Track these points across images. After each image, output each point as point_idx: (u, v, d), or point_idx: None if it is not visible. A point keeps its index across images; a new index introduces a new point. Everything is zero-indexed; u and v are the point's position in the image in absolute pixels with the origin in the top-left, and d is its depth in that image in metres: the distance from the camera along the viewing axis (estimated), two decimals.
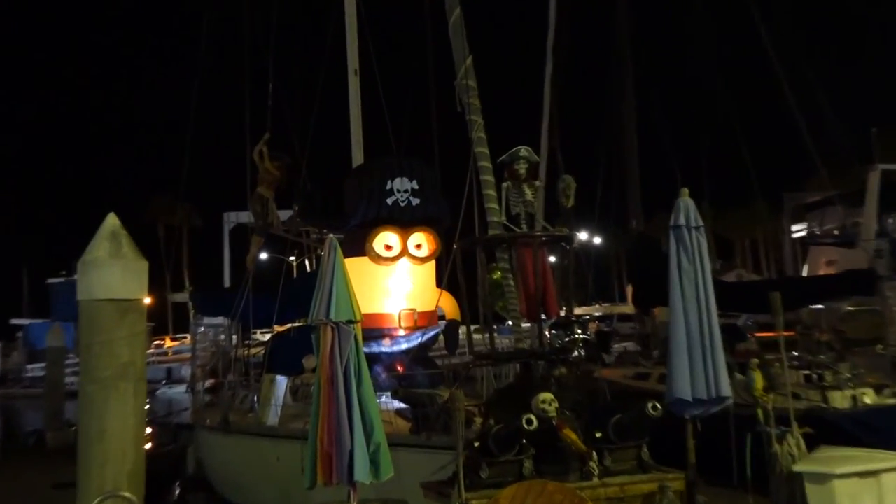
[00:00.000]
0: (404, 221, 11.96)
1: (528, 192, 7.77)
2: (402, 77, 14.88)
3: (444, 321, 12.55)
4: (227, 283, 42.42)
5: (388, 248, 11.98)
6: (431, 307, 12.18)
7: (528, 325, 8.86)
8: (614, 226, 23.89)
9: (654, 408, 6.70)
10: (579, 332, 8.39)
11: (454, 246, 8.62)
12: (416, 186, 11.97)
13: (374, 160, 13.17)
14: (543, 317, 7.95)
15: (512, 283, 8.49)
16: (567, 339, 8.11)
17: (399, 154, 13.21)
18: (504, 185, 8.09)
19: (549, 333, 8.36)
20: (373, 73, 14.73)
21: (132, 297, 7.63)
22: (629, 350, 20.32)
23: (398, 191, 11.86)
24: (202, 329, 19.49)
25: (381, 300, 11.99)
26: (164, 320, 46.31)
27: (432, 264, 12.46)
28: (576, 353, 7.76)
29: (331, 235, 7.01)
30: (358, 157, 14.64)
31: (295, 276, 16.98)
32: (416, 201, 11.94)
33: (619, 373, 15.04)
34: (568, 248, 8.11)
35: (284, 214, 14.86)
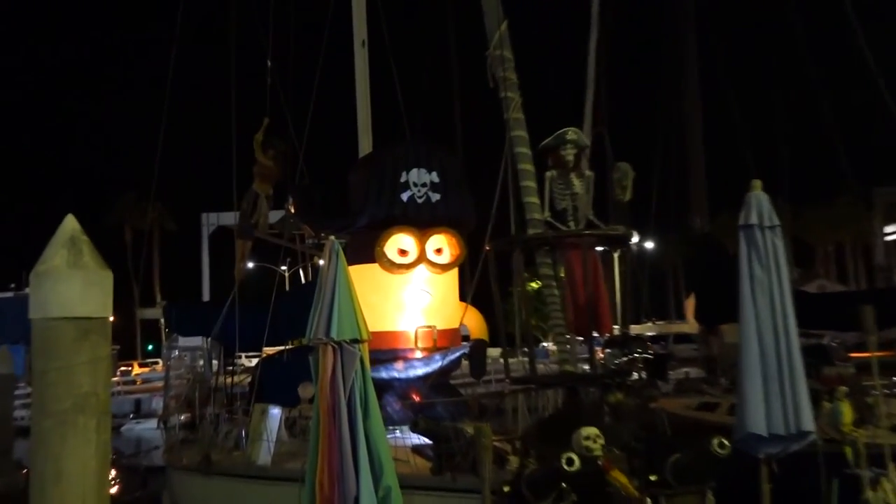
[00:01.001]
0: (422, 221, 11.99)
1: (577, 184, 7.79)
2: (419, 48, 15.12)
3: (468, 341, 12.58)
4: (206, 297, 42.75)
5: (403, 253, 12.00)
6: (454, 324, 12.22)
7: (573, 344, 8.89)
8: (671, 226, 23.68)
9: (721, 445, 6.71)
10: (639, 350, 8.32)
11: (485, 249, 8.58)
12: (436, 179, 12.00)
13: (385, 148, 13.20)
14: (594, 333, 7.89)
15: (556, 292, 8.43)
16: (625, 359, 8.02)
17: (415, 141, 13.24)
18: (547, 174, 8.10)
19: (603, 353, 8.25)
20: (383, 45, 14.85)
21: (95, 315, 7.56)
22: (690, 376, 20.15)
23: (414, 184, 11.89)
24: (177, 352, 19.56)
25: (394, 316, 12.02)
26: (131, 342, 46.78)
27: (455, 273, 12.49)
28: (635, 375, 7.70)
29: (332, 238, 6.98)
30: (366, 145, 14.70)
31: (288, 288, 16.99)
32: (435, 197, 11.97)
33: (678, 403, 14.91)
34: (625, 249, 8.04)
35: (276, 215, 14.85)
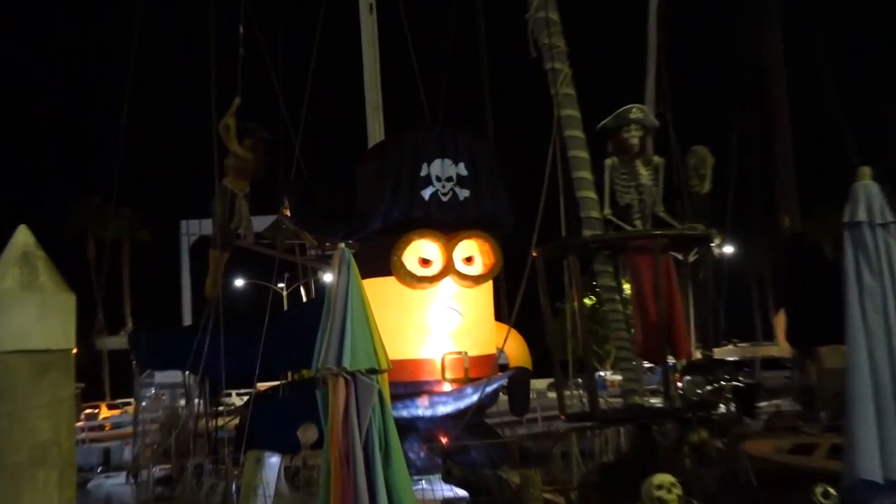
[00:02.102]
0: (448, 223, 12.01)
1: (644, 173, 7.80)
2: (438, 12, 15.22)
3: (508, 371, 12.58)
4: (187, 321, 43.05)
5: (425, 263, 12.02)
6: (490, 350, 12.22)
7: (640, 371, 8.96)
8: (754, 226, 23.52)
9: (826, 495, 6.82)
10: (727, 377, 8.30)
11: (532, 255, 8.57)
12: (465, 172, 11.99)
13: (400, 135, 13.19)
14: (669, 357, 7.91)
15: (619, 308, 8.39)
16: (709, 389, 7.99)
17: (437, 125, 13.22)
18: (608, 162, 8.08)
19: (682, 381, 8.28)
20: (396, 8, 14.86)
21: (54, 347, 7.57)
22: (782, 410, 20.01)
23: (438, 178, 11.88)
24: (153, 390, 19.60)
25: (416, 341, 12.04)
26: (97, 378, 47.13)
27: (489, 287, 12.49)
28: (722, 408, 7.68)
29: (342, 245, 6.96)
30: (376, 131, 14.75)
31: (286, 308, 17.02)
32: (464, 193, 11.96)
33: (768, 444, 14.82)
34: (705, 253, 8.02)
35: (264, 221, 14.91)
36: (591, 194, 8.96)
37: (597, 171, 8.08)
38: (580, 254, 8.16)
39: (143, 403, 19.63)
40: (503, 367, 12.61)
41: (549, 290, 7.79)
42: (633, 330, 8.36)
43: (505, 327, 12.73)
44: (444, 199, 11.93)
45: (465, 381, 11.78)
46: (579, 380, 9.76)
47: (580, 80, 9.79)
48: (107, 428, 42.35)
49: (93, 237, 56.22)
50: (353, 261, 6.20)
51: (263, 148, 14.12)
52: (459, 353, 11.89)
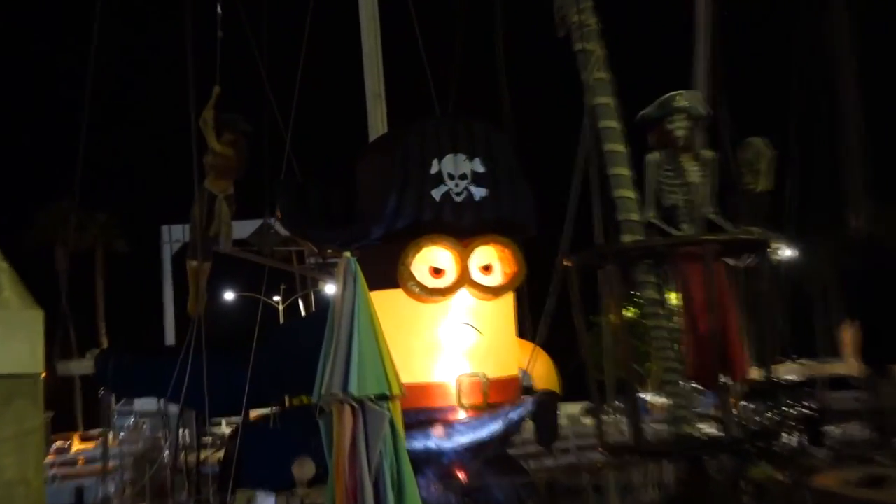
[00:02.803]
0: (463, 227, 12.00)
1: (692, 170, 7.80)
2: None
3: (533, 395, 12.54)
4: (170, 340, 43.08)
5: (437, 272, 12.02)
6: (511, 371, 12.20)
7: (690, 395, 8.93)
8: (818, 227, 23.37)
9: None
10: (792, 402, 8.26)
11: (563, 264, 8.54)
12: (481, 168, 12.01)
13: (407, 127, 13.07)
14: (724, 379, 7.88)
15: (664, 323, 8.37)
16: (772, 416, 7.96)
17: (449, 115, 13.17)
18: (650, 158, 8.03)
19: (740, 407, 8.27)
20: None
21: (21, 372, 7.63)
22: (852, 437, 19.85)
23: (450, 176, 11.90)
24: (131, 420, 19.55)
25: (426, 362, 12.02)
26: (69, 405, 47.09)
27: (510, 299, 12.48)
28: (786, 438, 7.62)
29: (347, 255, 6.99)
30: (378, 123, 14.76)
31: (281, 324, 16.99)
32: (480, 193, 11.96)
33: (836, 477, 14.73)
34: (764, 260, 7.99)
35: (249, 226, 14.84)
36: (631, 194, 9.01)
37: (637, 169, 8.05)
38: (619, 262, 8.12)
39: (122, 434, 19.57)
40: (528, 391, 12.56)
41: (582, 302, 7.76)
42: (680, 346, 8.32)
43: (529, 345, 12.72)
44: (458, 199, 11.93)
45: (485, 407, 11.74)
46: (618, 403, 9.72)
47: (616, 63, 9.87)
48: (80, 462, 42.16)
49: (62, 247, 56.26)
50: (359, 272, 6.34)
51: (244, 142, 14.17)
52: (477, 375, 11.85)
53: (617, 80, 9.61)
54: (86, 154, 14.37)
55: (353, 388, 5.97)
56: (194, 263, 14.14)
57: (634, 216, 8.80)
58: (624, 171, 9.11)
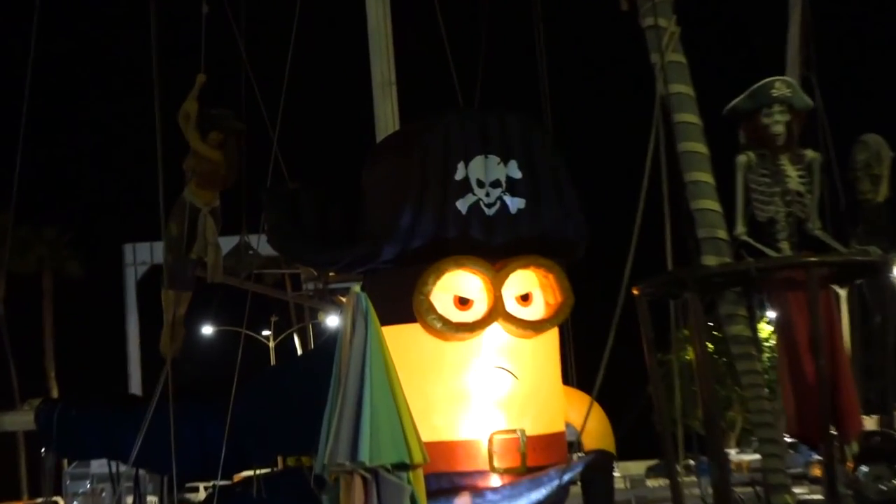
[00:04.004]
0: (495, 247, 11.92)
1: (793, 174, 7.76)
2: None
3: (583, 454, 12.55)
4: (136, 385, 43.21)
5: (464, 303, 11.94)
6: (555, 426, 12.22)
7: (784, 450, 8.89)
8: None
9: None
10: None
11: (632, 293, 8.34)
12: (518, 174, 11.94)
13: (424, 123, 13.04)
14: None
15: (757, 366, 8.44)
16: None
17: (477, 108, 13.02)
18: (740, 160, 8.25)
19: (856, 473, 8.33)
20: None
21: None
22: None
23: (480, 184, 11.83)
24: (87, 485, 19.68)
25: (451, 415, 11.95)
26: (11, 468, 47.16)
27: (554, 336, 12.46)
28: None
29: (355, 288, 6.93)
30: (388, 118, 14.77)
31: (272, 365, 17.13)
32: (517, 204, 11.90)
33: None
34: (885, 287, 7.86)
35: (223, 245, 15.02)
36: (715, 206, 9.01)
37: (721, 174, 8.00)
38: (701, 291, 8.03)
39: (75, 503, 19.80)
40: (571, 446, 12.54)
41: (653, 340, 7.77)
42: (772, 390, 8.29)
43: (576, 393, 12.76)
44: (490, 212, 11.85)
45: (523, 471, 11.63)
46: (692, 462, 9.62)
47: (692, 44, 9.80)
48: None
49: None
50: (371, 310, 6.50)
51: (236, 143, 14.26)
52: (514, 431, 11.72)
53: (692, 63, 9.68)
54: (28, 158, 14.48)
55: (365, 456, 6.03)
56: (170, 294, 14.22)
57: (720, 233, 8.76)
58: (706, 176, 9.13)
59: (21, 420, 14.70)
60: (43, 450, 15.99)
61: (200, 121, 14.06)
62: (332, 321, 19.26)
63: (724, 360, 12.41)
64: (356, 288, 6.60)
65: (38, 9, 15.26)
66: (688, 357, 9.71)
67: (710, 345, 9.40)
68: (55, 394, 44.55)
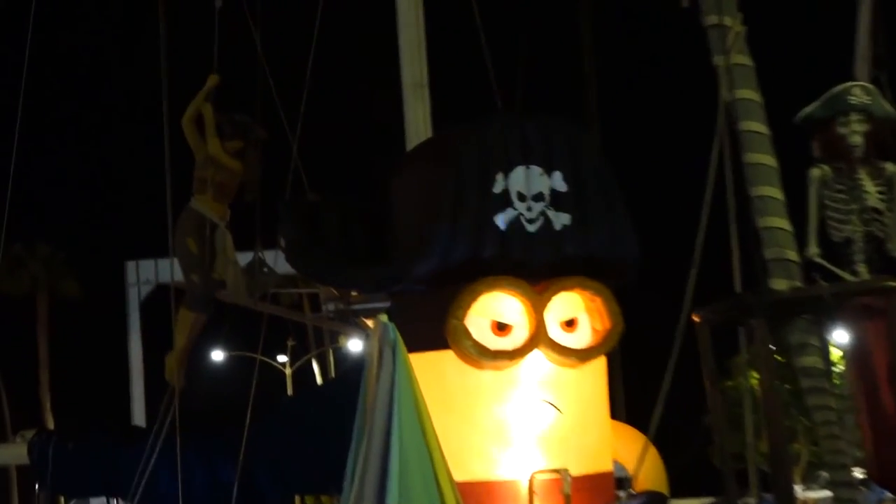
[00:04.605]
0: (538, 267, 11.89)
1: (872, 190, 7.86)
2: None
3: (633, 494, 12.62)
4: (139, 416, 43.35)
5: (502, 329, 11.89)
6: (602, 465, 12.17)
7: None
8: None
9: None
10: None
11: (693, 320, 8.26)
12: (563, 187, 11.91)
13: (460, 129, 13.09)
14: None
15: (829, 401, 8.46)
16: None
17: (518, 113, 13.00)
18: (814, 173, 8.34)
19: None
20: None
21: None
22: None
23: (521, 197, 11.81)
24: None
25: (487, 452, 11.89)
26: (3, 503, 47.22)
27: (602, 366, 12.44)
28: None
29: (382, 318, 7.04)
30: (420, 124, 14.80)
31: (288, 395, 17.19)
32: (562, 220, 11.86)
33: None
34: None
35: (242, 259, 15.08)
36: (784, 224, 8.97)
37: (792, 189, 7.96)
38: (770, 317, 7.98)
39: None
40: (619, 484, 12.57)
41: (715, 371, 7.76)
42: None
43: (625, 429, 12.68)
44: (532, 228, 11.81)
45: None
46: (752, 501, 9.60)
47: (756, 44, 9.79)
48: None
49: None
50: (400, 342, 6.51)
51: (258, 153, 14.39)
52: (557, 471, 11.65)
53: (759, 66, 9.68)
54: (20, 167, 14.57)
55: (394, 500, 6.01)
56: (191, 315, 14.34)
57: (791, 254, 8.74)
58: (774, 191, 9.10)
59: (13, 453, 14.84)
60: (37, 486, 15.99)
61: (219, 122, 14.08)
62: (355, 346, 19.11)
63: (788, 387, 12.31)
64: (383, 317, 6.51)
65: (32, 9, 15.34)
66: (749, 384, 9.59)
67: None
68: (50, 425, 44.73)
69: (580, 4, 13.61)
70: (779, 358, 9.29)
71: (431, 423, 6.22)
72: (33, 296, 54.76)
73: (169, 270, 15.15)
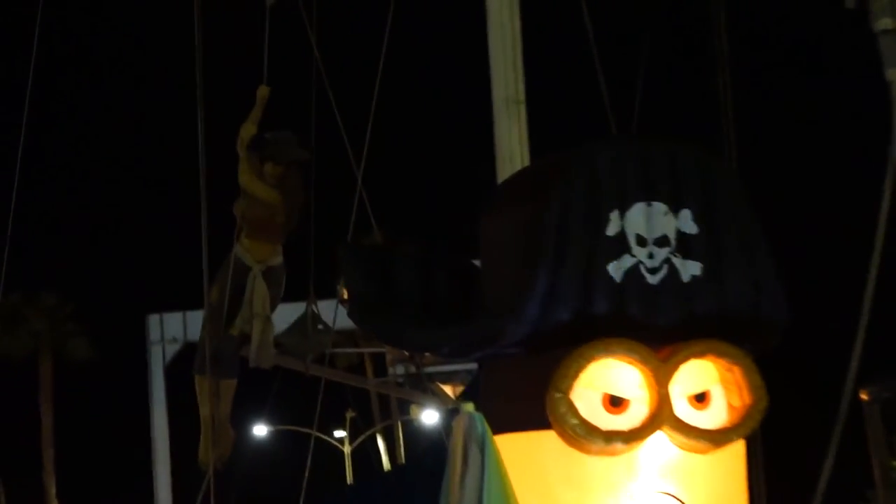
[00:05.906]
0: (661, 328, 11.88)
1: None
2: None
3: None
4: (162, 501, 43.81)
5: (617, 404, 11.85)
6: None
7: None
8: None
9: None
10: None
11: (864, 398, 8.27)
12: (693, 228, 11.91)
13: (564, 156, 13.14)
14: None
15: None
16: None
17: (635, 134, 13.07)
18: None
19: None
20: None
21: None
22: None
23: (641, 242, 11.80)
24: None
25: None
26: None
27: (741, 452, 12.38)
28: None
29: (468, 408, 6.74)
30: (513, 148, 14.77)
31: (349, 484, 17.44)
32: (692, 270, 11.85)
33: None
34: None
35: (282, 317, 15.33)
36: None
37: None
38: None
39: None
40: None
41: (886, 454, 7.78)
42: None
43: None
44: (653, 279, 11.81)
45: None
46: None
47: None
48: None
49: None
50: (489, 436, 6.85)
51: (299, 178, 14.28)
52: None
53: None
54: (20, 203, 14.80)
55: None
56: (204, 381, 14.38)
57: None
58: None
59: None
60: None
61: (259, 148, 14.19)
62: (430, 418, 19.15)
63: None
64: (468, 406, 6.54)
65: (39, 16, 15.62)
66: None
67: None
68: None
69: (713, 6, 13.60)
70: None
71: None
72: (35, 357, 55.34)
73: (198, 330, 15.32)
